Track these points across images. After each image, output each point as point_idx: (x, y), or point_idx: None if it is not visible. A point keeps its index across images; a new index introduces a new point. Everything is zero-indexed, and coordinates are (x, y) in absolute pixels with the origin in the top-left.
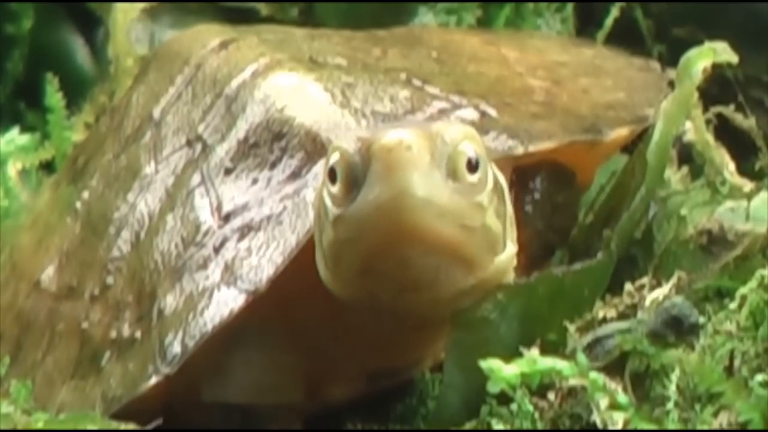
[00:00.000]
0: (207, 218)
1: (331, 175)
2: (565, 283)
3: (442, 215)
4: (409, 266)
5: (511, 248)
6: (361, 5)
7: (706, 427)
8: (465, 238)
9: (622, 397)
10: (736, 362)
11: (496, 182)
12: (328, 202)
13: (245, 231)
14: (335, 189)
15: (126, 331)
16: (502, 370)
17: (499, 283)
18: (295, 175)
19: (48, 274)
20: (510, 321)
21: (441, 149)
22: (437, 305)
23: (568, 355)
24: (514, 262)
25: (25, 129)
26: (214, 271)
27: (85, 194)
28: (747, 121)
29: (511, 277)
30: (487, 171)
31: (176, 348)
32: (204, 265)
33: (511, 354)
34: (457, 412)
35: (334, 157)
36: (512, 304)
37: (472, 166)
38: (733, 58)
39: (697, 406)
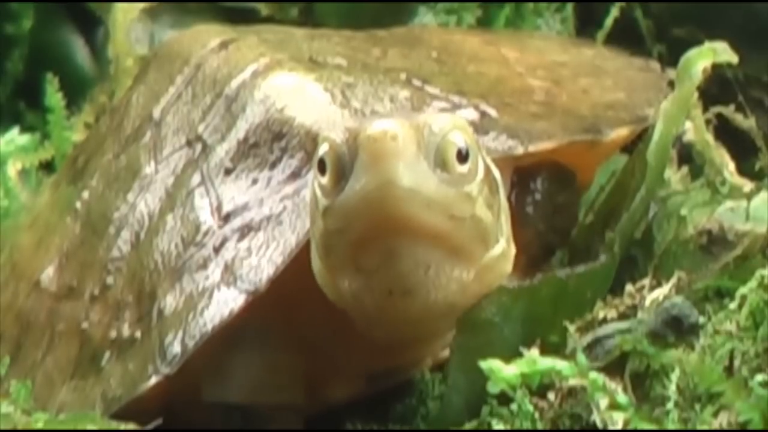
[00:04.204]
0: (207, 218)
1: (321, 166)
2: (568, 285)
3: (428, 205)
4: (398, 260)
5: (503, 244)
6: (361, 5)
7: (706, 427)
8: (454, 229)
9: (622, 397)
10: (736, 362)
11: (488, 173)
12: (318, 193)
13: (245, 231)
14: (324, 180)
15: (126, 331)
16: (502, 371)
17: (492, 284)
18: (295, 175)
19: (48, 274)
20: (513, 323)
21: (429, 139)
22: (426, 314)
23: (568, 355)
24: (509, 264)
25: (25, 129)
26: (214, 271)
27: (85, 194)
28: (747, 121)
29: (506, 275)
30: (477, 161)
31: (176, 348)
32: (204, 265)
33: (515, 356)
34: (460, 414)
35: (323, 148)
36: (515, 307)
37: (462, 156)
38: (733, 58)
39: (697, 406)
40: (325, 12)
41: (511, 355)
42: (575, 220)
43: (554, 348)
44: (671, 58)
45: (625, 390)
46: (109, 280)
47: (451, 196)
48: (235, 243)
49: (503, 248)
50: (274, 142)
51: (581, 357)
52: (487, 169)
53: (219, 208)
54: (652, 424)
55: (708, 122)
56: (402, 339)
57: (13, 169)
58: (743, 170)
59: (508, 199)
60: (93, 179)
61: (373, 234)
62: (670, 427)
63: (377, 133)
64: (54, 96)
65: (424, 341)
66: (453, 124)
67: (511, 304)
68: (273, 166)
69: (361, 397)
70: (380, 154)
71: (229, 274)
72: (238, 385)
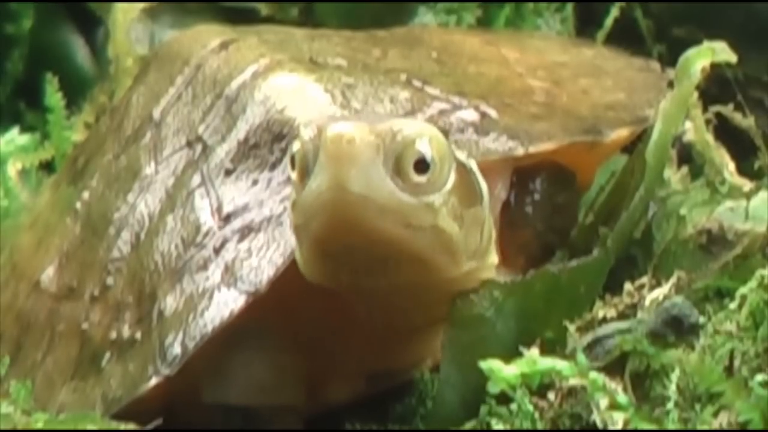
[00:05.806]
0: (207, 219)
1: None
2: (561, 280)
3: (381, 212)
4: (356, 257)
5: (477, 260)
6: (361, 5)
7: (706, 427)
8: (412, 237)
9: (622, 397)
10: (736, 362)
11: (462, 185)
12: (292, 186)
13: (245, 232)
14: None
15: (126, 332)
16: (502, 371)
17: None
18: None
19: (48, 275)
20: (506, 318)
21: (390, 146)
22: (397, 290)
23: (568, 354)
24: (488, 273)
25: (25, 129)
26: (215, 272)
27: (85, 194)
28: (746, 121)
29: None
30: (445, 171)
31: (176, 349)
32: (204, 266)
33: (508, 351)
34: (455, 410)
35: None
36: (509, 302)
37: (422, 166)
38: (732, 57)
39: (697, 406)
40: (325, 12)
41: (504, 350)
42: (575, 220)
43: (550, 344)
44: (671, 58)
45: (625, 390)
46: (110, 280)
47: (408, 204)
48: (236, 244)
49: (477, 264)
50: (274, 143)
51: (581, 357)
52: (463, 181)
53: (219, 209)
54: (652, 424)
55: (708, 122)
56: (408, 331)
57: (13, 169)
58: (743, 170)
59: (508, 199)
60: (93, 179)
61: (330, 233)
62: (670, 427)
63: (333, 136)
64: (54, 96)
65: (425, 341)
66: (419, 133)
67: (503, 300)
68: (273, 167)
69: (361, 397)
70: (335, 157)
71: (230, 275)
72: (239, 385)
